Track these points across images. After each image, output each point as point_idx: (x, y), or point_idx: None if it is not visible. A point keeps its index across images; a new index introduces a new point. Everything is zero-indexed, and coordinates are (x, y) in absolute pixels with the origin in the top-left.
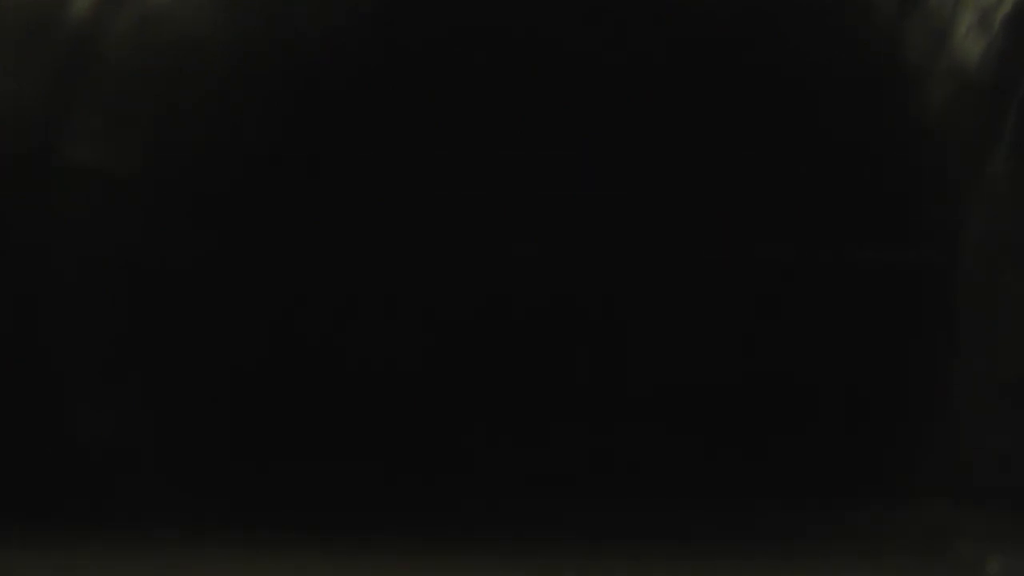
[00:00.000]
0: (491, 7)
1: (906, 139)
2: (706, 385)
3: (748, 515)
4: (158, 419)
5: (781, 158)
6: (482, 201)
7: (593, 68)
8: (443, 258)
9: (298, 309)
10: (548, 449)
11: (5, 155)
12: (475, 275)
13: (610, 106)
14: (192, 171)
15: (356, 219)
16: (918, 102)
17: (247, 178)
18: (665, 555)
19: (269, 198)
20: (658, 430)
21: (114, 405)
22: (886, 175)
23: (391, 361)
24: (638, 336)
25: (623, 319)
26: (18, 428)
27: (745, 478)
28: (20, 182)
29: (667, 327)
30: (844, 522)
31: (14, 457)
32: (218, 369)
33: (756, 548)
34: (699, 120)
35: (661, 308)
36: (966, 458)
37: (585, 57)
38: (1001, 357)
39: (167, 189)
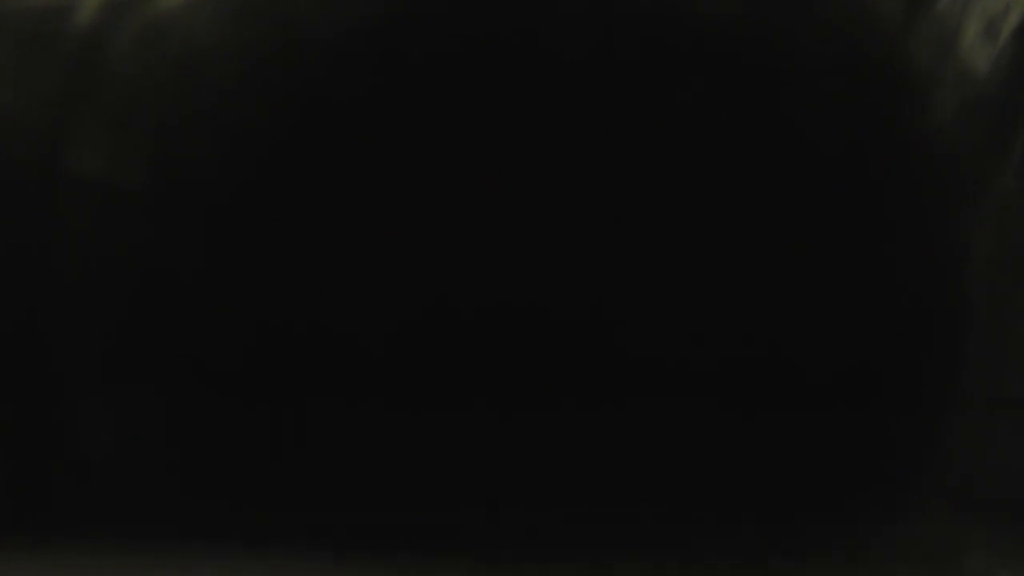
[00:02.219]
0: (501, 17)
1: (912, 149)
2: (705, 387)
3: (747, 528)
4: (158, 421)
5: (780, 164)
6: (488, 208)
7: (596, 76)
8: (449, 263)
9: (303, 316)
10: (547, 454)
11: (8, 164)
12: (478, 277)
13: (612, 111)
14: (197, 182)
15: (361, 228)
16: (925, 112)
17: (252, 188)
18: (663, 571)
19: (275, 208)
20: (658, 440)
21: (114, 407)
22: (890, 185)
23: (391, 363)
24: (638, 337)
25: (622, 317)
26: (17, 429)
27: (745, 490)
28: (24, 191)
29: (666, 334)
30: (847, 535)
31: (13, 458)
32: (218, 375)
33: (756, 562)
34: (698, 124)
35: (658, 315)
36: (973, 471)
37: (587, 64)
38: (1008, 370)
39: (171, 199)
